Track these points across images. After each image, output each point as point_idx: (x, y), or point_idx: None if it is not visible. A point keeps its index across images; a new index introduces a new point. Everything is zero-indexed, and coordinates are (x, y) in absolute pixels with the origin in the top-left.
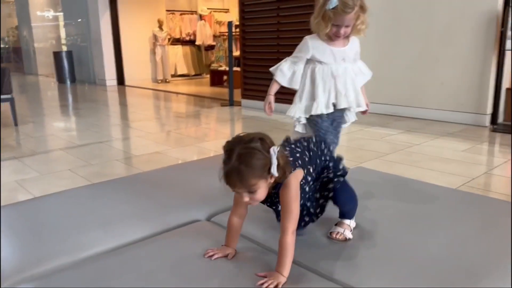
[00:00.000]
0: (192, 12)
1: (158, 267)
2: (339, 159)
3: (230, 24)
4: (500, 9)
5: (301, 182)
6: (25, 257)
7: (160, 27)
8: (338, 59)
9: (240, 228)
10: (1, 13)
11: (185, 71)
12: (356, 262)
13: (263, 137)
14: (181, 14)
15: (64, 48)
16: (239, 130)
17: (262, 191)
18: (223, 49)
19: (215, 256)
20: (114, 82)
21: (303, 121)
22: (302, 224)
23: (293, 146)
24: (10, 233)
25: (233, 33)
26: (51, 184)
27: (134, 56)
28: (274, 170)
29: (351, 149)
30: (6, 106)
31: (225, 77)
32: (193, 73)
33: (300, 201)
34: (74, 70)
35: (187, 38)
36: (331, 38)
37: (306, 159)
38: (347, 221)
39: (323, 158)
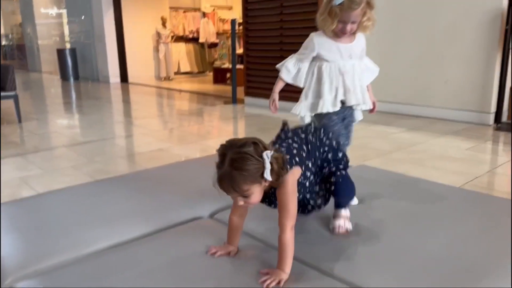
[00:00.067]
0: (195, 10)
1: (161, 264)
2: (338, 147)
3: (233, 21)
4: (504, 7)
5: (300, 179)
6: (28, 253)
7: (164, 24)
8: (344, 56)
9: (241, 226)
10: (5, 11)
11: (188, 69)
12: (357, 260)
13: (256, 141)
14: (184, 12)
15: (68, 46)
16: (242, 128)
17: (256, 196)
18: (226, 47)
19: (218, 254)
20: (118, 80)
21: (308, 119)
22: (306, 211)
23: (290, 141)
24: (13, 229)
25: (237, 31)
26: (54, 180)
27: (137, 54)
28: (267, 175)
29: (355, 147)
30: (10, 103)
31: (228, 75)
32: (196, 70)
33: (300, 195)
34: (77, 68)
35: (190, 36)
36: (337, 34)
37: (304, 154)
38: (343, 212)
39: (321, 150)
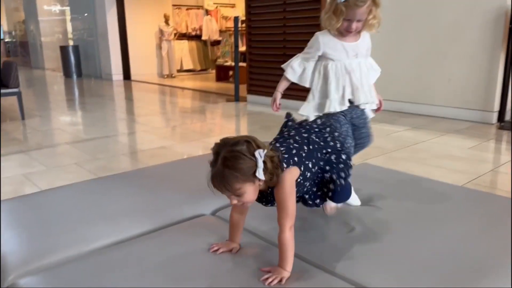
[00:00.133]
0: (198, 7)
1: (163, 261)
2: (343, 149)
3: (236, 19)
4: (508, 5)
5: (299, 179)
6: (31, 250)
7: (167, 22)
8: (350, 54)
9: (243, 223)
10: (9, 7)
11: (191, 66)
12: (359, 258)
13: (249, 140)
14: (187, 9)
15: (71, 43)
16: (244, 125)
17: (249, 195)
18: (229, 44)
19: (220, 251)
20: (120, 77)
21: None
22: (306, 204)
23: (291, 140)
24: (16, 225)
25: (239, 28)
26: (57, 177)
27: (140, 51)
28: (259, 174)
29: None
30: (13, 100)
31: (231, 73)
32: (199, 68)
33: (298, 194)
34: (80, 65)
35: (193, 33)
36: (343, 33)
37: (303, 154)
38: (333, 204)
39: (324, 151)
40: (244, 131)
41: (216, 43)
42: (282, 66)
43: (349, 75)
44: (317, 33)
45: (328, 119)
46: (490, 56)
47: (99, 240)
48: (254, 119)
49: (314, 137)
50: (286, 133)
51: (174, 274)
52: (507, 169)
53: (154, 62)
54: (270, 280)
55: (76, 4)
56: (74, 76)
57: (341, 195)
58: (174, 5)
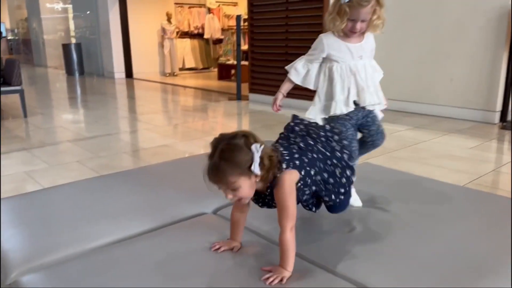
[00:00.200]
0: (200, 5)
1: (165, 259)
2: (348, 164)
3: (238, 17)
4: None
5: (299, 184)
6: (33, 247)
7: (169, 20)
8: (355, 56)
9: (243, 222)
10: (12, 5)
11: (193, 65)
12: (360, 257)
13: (247, 134)
14: (189, 7)
15: (73, 40)
16: (246, 124)
17: (244, 190)
18: (231, 43)
19: (221, 249)
20: (123, 75)
21: (321, 123)
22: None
23: (295, 146)
24: (19, 223)
25: (242, 27)
26: (59, 175)
27: (142, 49)
28: (255, 168)
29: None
30: (16, 97)
31: (233, 71)
32: (201, 66)
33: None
34: (82, 63)
35: (196, 32)
36: (347, 34)
37: (306, 160)
38: None
39: (329, 162)
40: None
41: (218, 41)
42: (286, 67)
43: (354, 76)
44: (321, 35)
45: (334, 122)
46: (493, 55)
47: (101, 238)
48: (255, 117)
49: (320, 147)
50: (292, 139)
51: (176, 272)
52: (509, 169)
53: (156, 60)
54: (271, 279)
55: (78, 2)
56: (76, 74)
57: (337, 209)
58: (176, 3)
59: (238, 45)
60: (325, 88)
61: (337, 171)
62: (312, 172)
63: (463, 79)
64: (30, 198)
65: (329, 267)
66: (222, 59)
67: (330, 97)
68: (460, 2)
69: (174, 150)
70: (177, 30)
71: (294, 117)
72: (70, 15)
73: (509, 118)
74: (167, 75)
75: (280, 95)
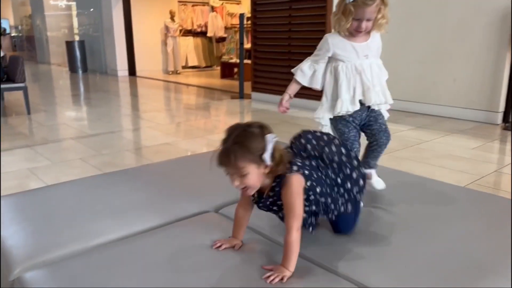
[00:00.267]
0: (204, 4)
1: (167, 257)
2: (356, 197)
3: (241, 16)
4: None
5: (303, 196)
6: (37, 244)
7: (172, 18)
8: (360, 55)
9: (247, 220)
10: (16, 2)
11: (196, 63)
12: (361, 257)
13: (263, 125)
14: (193, 6)
15: (77, 38)
16: None
17: (252, 178)
18: (234, 41)
19: (223, 247)
20: (126, 73)
21: (328, 123)
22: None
23: (307, 161)
24: (22, 220)
25: (245, 25)
26: (62, 172)
27: (145, 47)
28: (267, 156)
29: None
30: (19, 94)
31: (235, 70)
32: (203, 65)
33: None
34: (86, 60)
35: (199, 30)
36: (352, 34)
37: (315, 176)
38: None
39: (336, 189)
40: None
41: (221, 40)
42: (292, 70)
43: (359, 75)
44: (326, 35)
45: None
46: (496, 56)
47: (104, 235)
48: (258, 116)
49: (331, 172)
50: (306, 157)
51: (177, 269)
52: (510, 170)
53: (159, 58)
54: (271, 278)
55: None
56: (80, 71)
57: (342, 229)
58: (179, 2)
59: (241, 43)
60: (331, 87)
61: (340, 201)
62: (318, 190)
63: (466, 79)
64: (33, 195)
65: (330, 266)
66: (225, 58)
67: (336, 96)
68: (463, 3)
69: (176, 148)
70: (180, 28)
71: (304, 132)
72: (74, 12)
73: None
74: (170, 73)
75: (286, 96)
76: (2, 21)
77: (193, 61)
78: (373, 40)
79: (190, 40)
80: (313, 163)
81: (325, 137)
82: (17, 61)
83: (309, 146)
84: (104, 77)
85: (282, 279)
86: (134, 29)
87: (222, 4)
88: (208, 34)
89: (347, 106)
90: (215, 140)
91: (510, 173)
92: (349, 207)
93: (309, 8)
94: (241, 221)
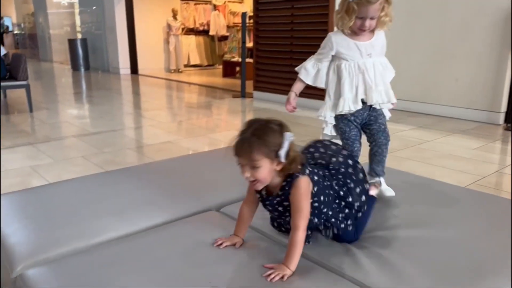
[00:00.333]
0: (206, 2)
1: (168, 254)
2: (360, 210)
3: (244, 14)
4: None
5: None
6: (39, 241)
7: (174, 16)
8: (364, 54)
9: (250, 219)
10: (18, 0)
11: (198, 61)
12: (363, 258)
13: (282, 123)
14: (195, 4)
15: (79, 36)
16: None
17: (263, 172)
18: (236, 40)
19: (224, 245)
20: (128, 71)
21: (332, 122)
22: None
23: (315, 170)
24: (24, 217)
25: (247, 24)
26: (64, 170)
27: (147, 45)
28: (282, 153)
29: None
30: (22, 92)
31: (237, 68)
32: (206, 63)
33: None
34: (88, 58)
35: (201, 28)
36: (356, 32)
37: (321, 185)
38: None
39: (337, 201)
40: None
41: (223, 38)
42: (296, 68)
43: (362, 74)
44: (330, 33)
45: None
46: (498, 56)
47: (106, 233)
48: (260, 115)
49: (335, 184)
50: (313, 165)
51: (179, 267)
52: (511, 171)
53: (162, 56)
54: (272, 276)
55: None
56: (82, 69)
57: (345, 240)
58: (182, 0)
59: (243, 42)
60: (334, 86)
61: (340, 216)
62: (322, 198)
63: (468, 79)
64: (35, 193)
65: (330, 265)
66: (227, 56)
67: (339, 95)
68: (465, 3)
69: (178, 146)
70: (182, 26)
71: (315, 142)
72: (76, 10)
73: None
74: (172, 71)
75: (292, 94)
76: (4, 19)
77: (195, 60)
78: (377, 38)
79: (192, 38)
80: (320, 172)
81: (333, 147)
82: (20, 59)
83: (317, 155)
84: (106, 75)
85: (282, 277)
86: (136, 27)
87: (225, 2)
88: (210, 33)
89: (349, 104)
90: (216, 138)
91: (511, 173)
92: (349, 223)
93: (311, 7)
94: (244, 218)
